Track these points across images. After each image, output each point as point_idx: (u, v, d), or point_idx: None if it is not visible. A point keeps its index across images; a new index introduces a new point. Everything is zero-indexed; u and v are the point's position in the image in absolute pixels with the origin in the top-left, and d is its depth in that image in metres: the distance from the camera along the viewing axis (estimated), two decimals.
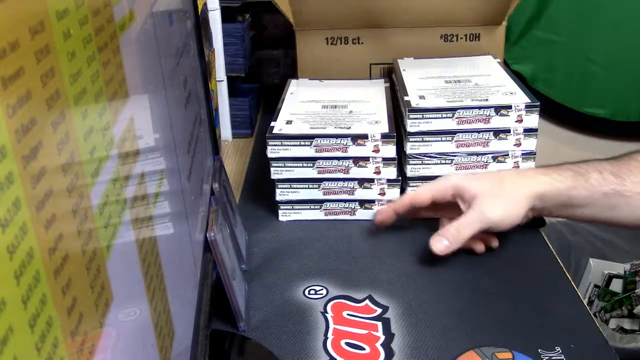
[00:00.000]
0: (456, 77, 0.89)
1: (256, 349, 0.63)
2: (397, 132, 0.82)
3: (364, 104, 0.88)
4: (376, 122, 0.82)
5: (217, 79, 1.06)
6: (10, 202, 0.21)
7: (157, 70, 0.46)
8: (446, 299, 0.69)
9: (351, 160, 0.80)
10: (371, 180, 0.81)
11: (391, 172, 0.81)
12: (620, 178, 0.71)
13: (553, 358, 0.60)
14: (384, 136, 0.79)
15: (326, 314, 0.67)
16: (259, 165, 0.97)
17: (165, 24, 0.52)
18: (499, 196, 0.72)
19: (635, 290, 1.26)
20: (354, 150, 0.80)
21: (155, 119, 0.44)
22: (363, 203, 0.83)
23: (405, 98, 0.82)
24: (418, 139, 0.80)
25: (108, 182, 0.32)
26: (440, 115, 0.79)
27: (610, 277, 1.33)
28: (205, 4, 0.97)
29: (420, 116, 0.79)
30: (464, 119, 0.79)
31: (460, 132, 0.80)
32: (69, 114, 0.27)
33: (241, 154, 1.09)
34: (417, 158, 0.81)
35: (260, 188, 0.90)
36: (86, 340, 0.27)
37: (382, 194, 0.82)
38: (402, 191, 0.83)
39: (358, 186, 0.82)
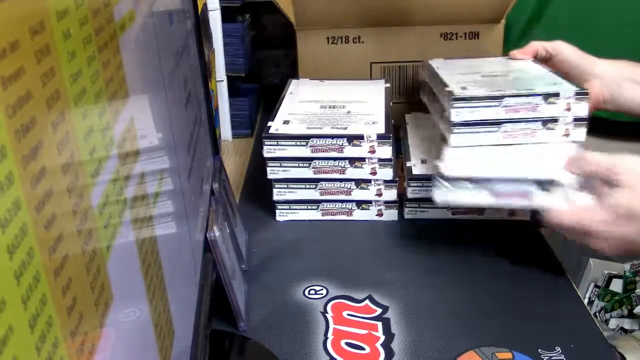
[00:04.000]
0: (493, 72, 0.85)
1: (256, 349, 0.63)
2: (396, 133, 0.81)
3: (363, 105, 0.88)
4: (373, 123, 0.82)
5: (217, 79, 1.06)
6: (10, 202, 0.21)
7: (157, 70, 0.46)
8: (446, 299, 0.69)
9: (347, 161, 0.80)
10: (368, 181, 0.81)
11: (387, 173, 0.81)
12: None
13: (553, 358, 0.60)
14: (380, 137, 0.79)
15: (326, 314, 0.67)
16: (259, 165, 0.97)
17: (165, 24, 0.52)
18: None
19: (635, 290, 1.26)
20: (350, 151, 0.79)
21: (155, 119, 0.44)
22: (360, 204, 0.83)
23: (447, 89, 0.76)
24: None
25: (108, 182, 0.32)
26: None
27: (610, 277, 1.32)
28: (205, 4, 0.97)
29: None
30: (512, 107, 0.74)
31: (508, 122, 0.74)
32: (69, 114, 0.27)
33: (241, 154, 1.09)
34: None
35: (260, 188, 0.90)
36: (86, 340, 0.27)
37: (379, 194, 0.82)
38: (402, 192, 0.83)
39: (355, 187, 0.82)
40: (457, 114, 0.73)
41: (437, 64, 0.92)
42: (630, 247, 0.66)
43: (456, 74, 0.84)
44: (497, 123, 0.74)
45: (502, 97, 0.73)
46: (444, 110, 0.76)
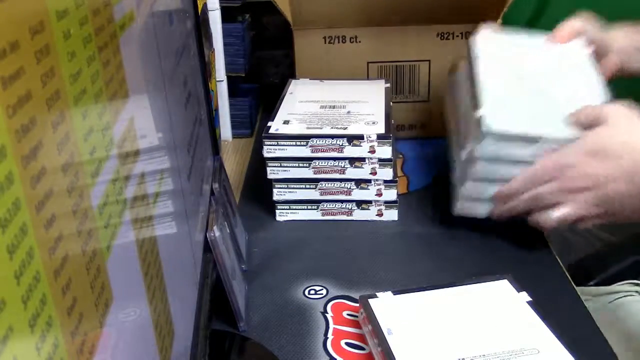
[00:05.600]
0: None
1: (256, 349, 0.63)
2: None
3: (363, 105, 0.88)
4: (373, 123, 0.82)
5: (217, 79, 1.06)
6: (10, 202, 0.21)
7: (157, 70, 0.46)
8: None
9: (347, 161, 0.80)
10: (368, 181, 0.81)
11: (387, 172, 0.81)
12: None
13: None
14: (380, 137, 0.79)
15: (326, 314, 0.67)
16: (259, 165, 0.96)
17: (165, 24, 0.52)
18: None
19: None
20: (350, 151, 0.79)
21: (155, 119, 0.44)
22: (360, 204, 0.83)
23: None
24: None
25: (108, 182, 0.32)
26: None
27: None
28: (205, 4, 0.97)
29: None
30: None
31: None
32: (69, 114, 0.27)
33: (241, 154, 1.09)
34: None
35: (260, 188, 0.90)
36: (86, 340, 0.27)
37: (379, 194, 0.82)
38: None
39: (355, 187, 0.82)
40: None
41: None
42: (600, 189, 0.66)
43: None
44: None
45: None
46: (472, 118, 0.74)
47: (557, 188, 0.69)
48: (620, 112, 0.69)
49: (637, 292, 0.90)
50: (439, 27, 1.03)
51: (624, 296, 0.94)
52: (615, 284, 0.97)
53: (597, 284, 1.22)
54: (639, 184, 0.64)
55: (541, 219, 0.72)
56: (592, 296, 0.92)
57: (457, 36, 1.03)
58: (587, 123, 0.69)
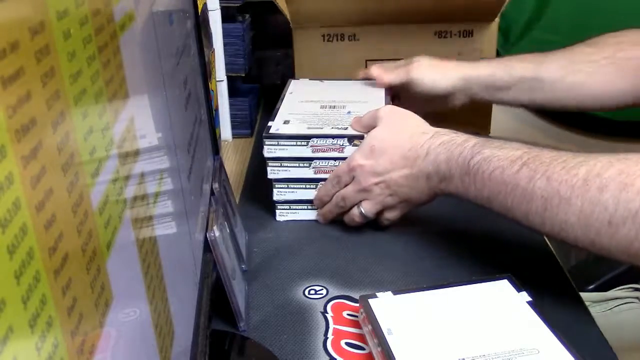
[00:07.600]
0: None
1: (256, 349, 0.63)
2: None
3: (363, 105, 0.88)
4: None
5: (217, 79, 1.06)
6: (10, 202, 0.21)
7: (157, 70, 0.46)
8: None
9: None
10: None
11: None
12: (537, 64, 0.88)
13: None
14: None
15: (326, 314, 0.67)
16: (259, 165, 0.97)
17: (165, 24, 0.52)
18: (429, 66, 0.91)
19: None
20: (350, 151, 0.79)
21: (155, 119, 0.44)
22: None
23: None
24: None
25: (108, 182, 0.32)
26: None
27: None
28: (205, 4, 0.97)
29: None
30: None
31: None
32: (69, 114, 0.27)
33: (241, 154, 1.09)
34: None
35: (260, 188, 0.90)
36: (86, 340, 0.27)
37: None
38: None
39: None
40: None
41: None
42: (387, 179, 0.75)
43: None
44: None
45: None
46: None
47: (355, 189, 0.78)
48: (393, 112, 0.79)
49: (637, 297, 0.90)
50: (436, 25, 1.03)
51: (624, 303, 0.94)
52: (613, 289, 0.97)
53: (595, 289, 1.22)
54: (417, 166, 0.73)
55: (347, 218, 0.81)
56: (591, 303, 0.92)
57: (455, 35, 1.04)
58: (368, 125, 0.79)
